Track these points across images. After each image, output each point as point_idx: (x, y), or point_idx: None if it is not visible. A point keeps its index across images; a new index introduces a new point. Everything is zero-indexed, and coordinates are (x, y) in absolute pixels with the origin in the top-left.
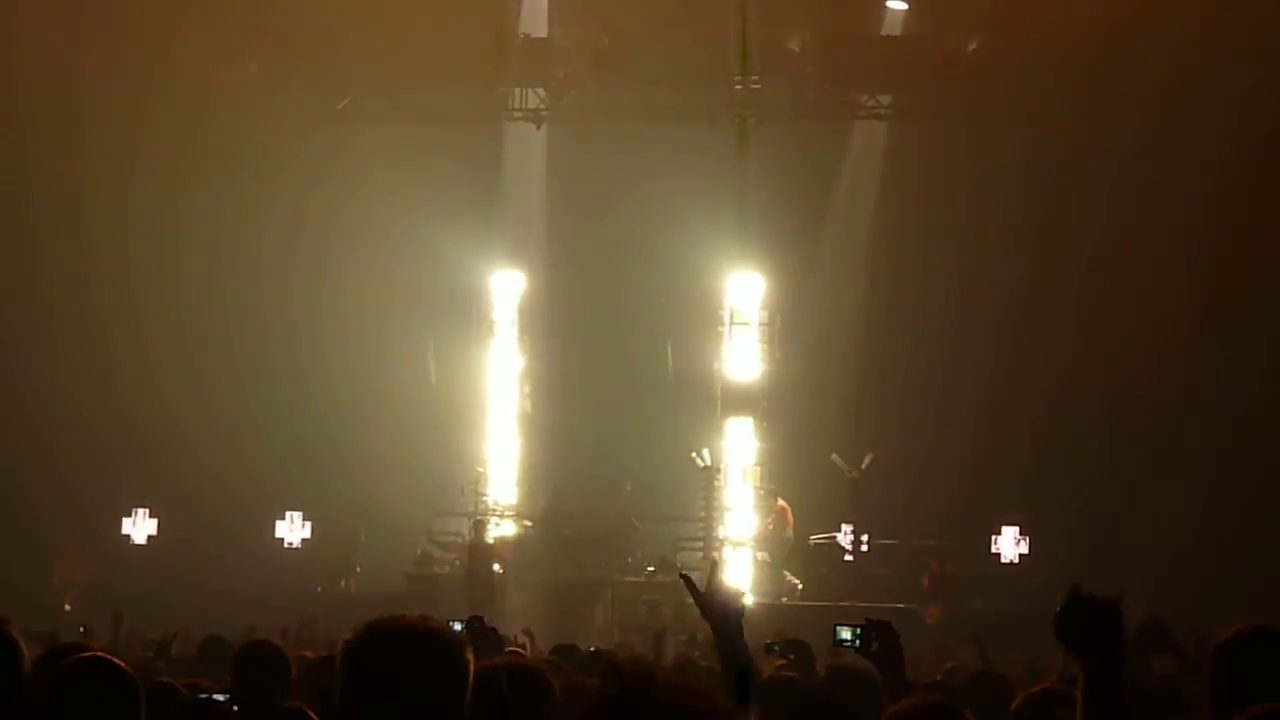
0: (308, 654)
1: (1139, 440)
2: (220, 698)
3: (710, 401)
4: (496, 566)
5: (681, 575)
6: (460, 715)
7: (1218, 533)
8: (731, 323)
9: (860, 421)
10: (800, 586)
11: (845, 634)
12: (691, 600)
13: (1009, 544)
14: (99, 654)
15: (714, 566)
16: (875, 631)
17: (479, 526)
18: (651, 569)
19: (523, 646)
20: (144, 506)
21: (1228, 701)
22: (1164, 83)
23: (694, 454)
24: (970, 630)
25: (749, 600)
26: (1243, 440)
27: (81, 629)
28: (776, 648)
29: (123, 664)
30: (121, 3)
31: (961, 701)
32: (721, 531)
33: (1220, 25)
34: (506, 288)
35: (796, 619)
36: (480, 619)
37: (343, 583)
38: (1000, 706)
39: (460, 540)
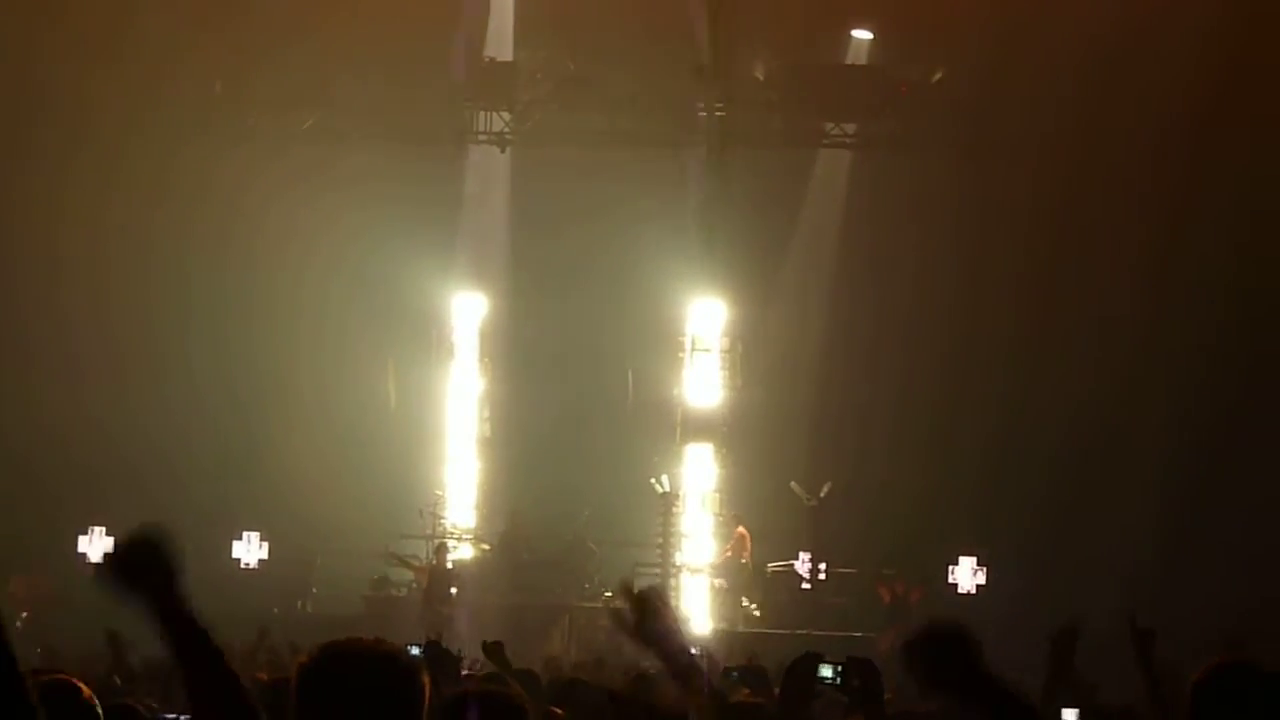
0: (261, 676)
1: (1091, 466)
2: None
3: (670, 427)
4: (454, 589)
5: (611, 609)
6: None
7: (1171, 553)
8: (693, 349)
9: (819, 449)
10: (757, 613)
11: (826, 671)
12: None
13: (966, 574)
14: (62, 676)
15: (646, 595)
16: (856, 669)
17: (441, 550)
18: (609, 594)
19: (476, 665)
20: (100, 525)
21: None
22: (1125, 112)
23: (653, 480)
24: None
25: (703, 627)
26: (1191, 459)
27: (38, 650)
28: (735, 674)
29: (82, 686)
30: (84, 24)
31: None
32: (679, 557)
33: (1186, 54)
34: (467, 310)
35: (753, 647)
36: (437, 643)
37: (299, 604)
38: None
39: (421, 563)
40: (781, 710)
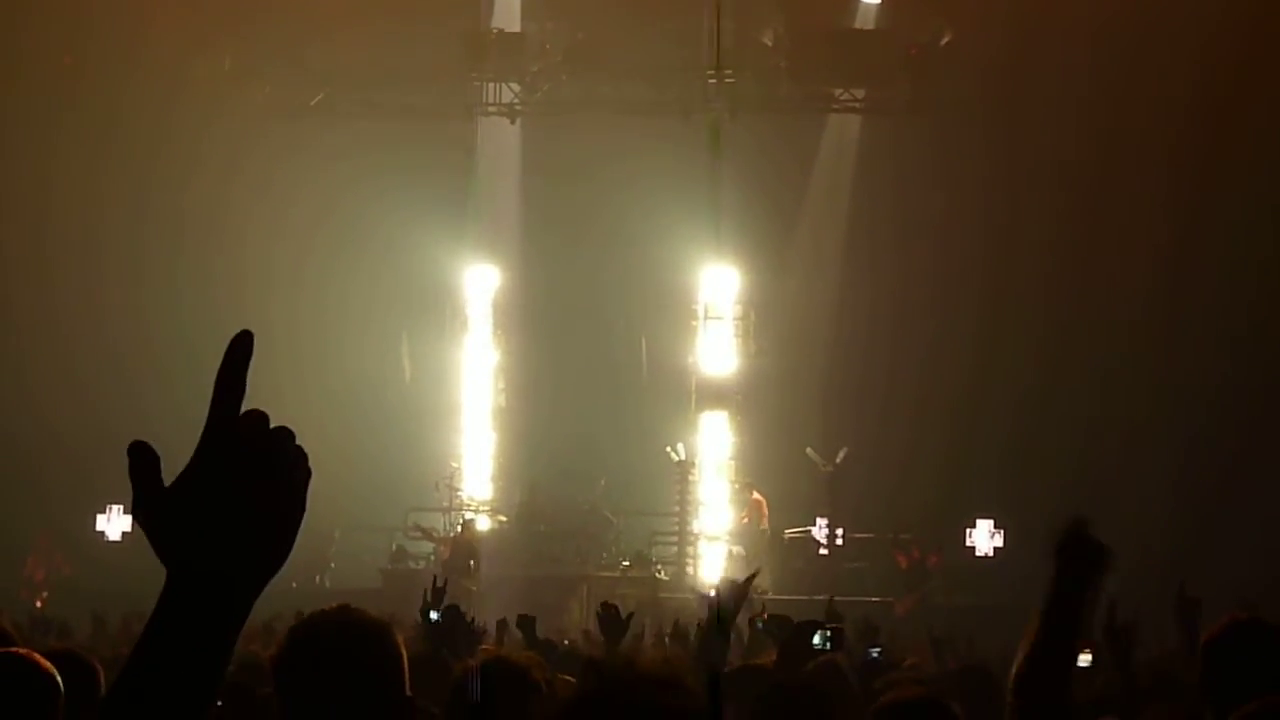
0: (272, 654)
1: (1112, 430)
2: None
3: (685, 396)
4: (473, 563)
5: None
6: (400, 695)
7: (1191, 518)
8: (706, 317)
9: (835, 415)
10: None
11: (816, 639)
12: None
13: (984, 537)
14: (15, 650)
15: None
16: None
17: (468, 525)
18: (627, 563)
19: (497, 640)
20: (117, 504)
21: (1221, 694)
22: (1136, 71)
23: (669, 448)
24: (929, 630)
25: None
26: (1214, 424)
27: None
28: (761, 624)
29: (41, 661)
30: (90, 2)
31: (948, 695)
32: (696, 526)
33: (1192, 12)
34: (481, 283)
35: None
36: (456, 607)
37: (317, 579)
38: (986, 700)
39: (441, 535)
40: (781, 670)
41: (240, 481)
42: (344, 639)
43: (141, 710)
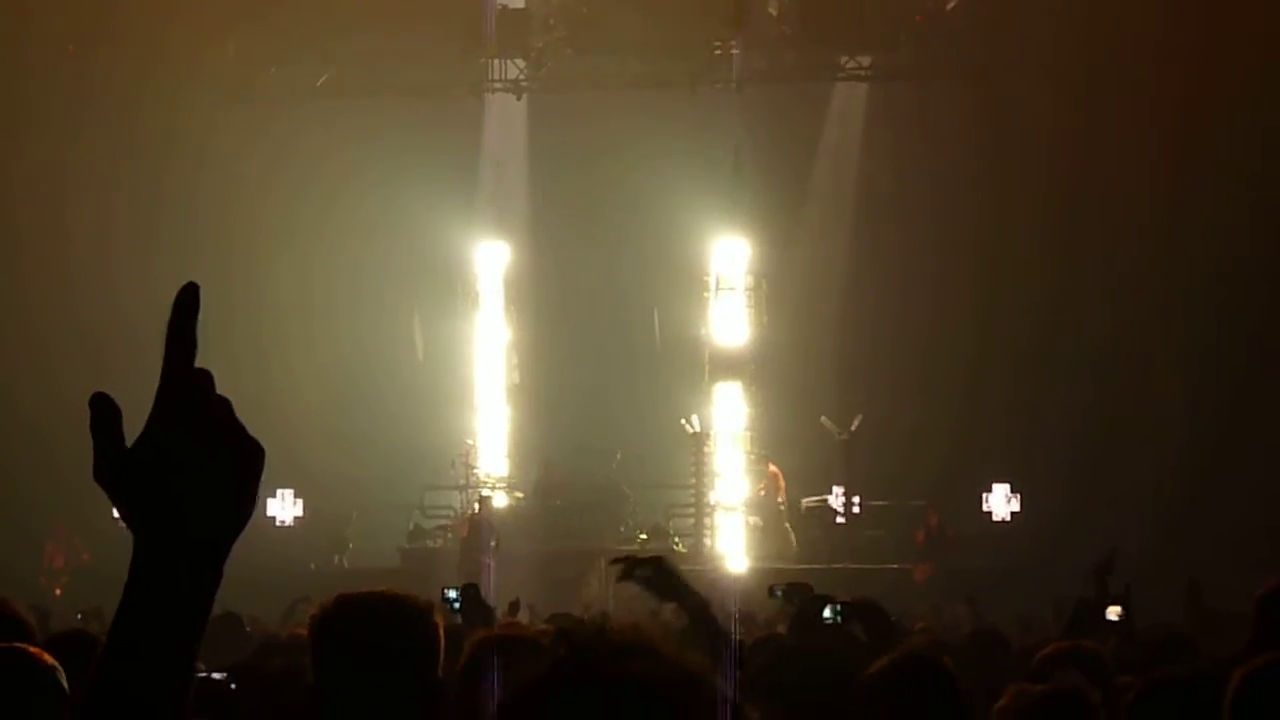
0: (300, 631)
1: (1125, 392)
2: (218, 676)
3: (698, 367)
4: (494, 542)
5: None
6: (433, 679)
7: (1204, 480)
8: (717, 288)
9: (849, 383)
10: (795, 547)
11: (827, 613)
12: (683, 567)
13: (1000, 502)
14: (17, 645)
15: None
16: (858, 612)
17: (485, 501)
18: (644, 536)
19: (515, 618)
20: None
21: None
22: (1145, 33)
23: (683, 420)
24: (965, 591)
25: (739, 565)
26: (1223, 382)
27: (79, 615)
28: (779, 591)
29: (42, 656)
30: None
31: (957, 658)
32: (712, 497)
33: None
34: (491, 259)
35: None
36: (475, 586)
37: (336, 559)
38: (995, 663)
39: (457, 514)
40: (795, 640)
41: (200, 437)
42: (390, 615)
43: (124, 678)
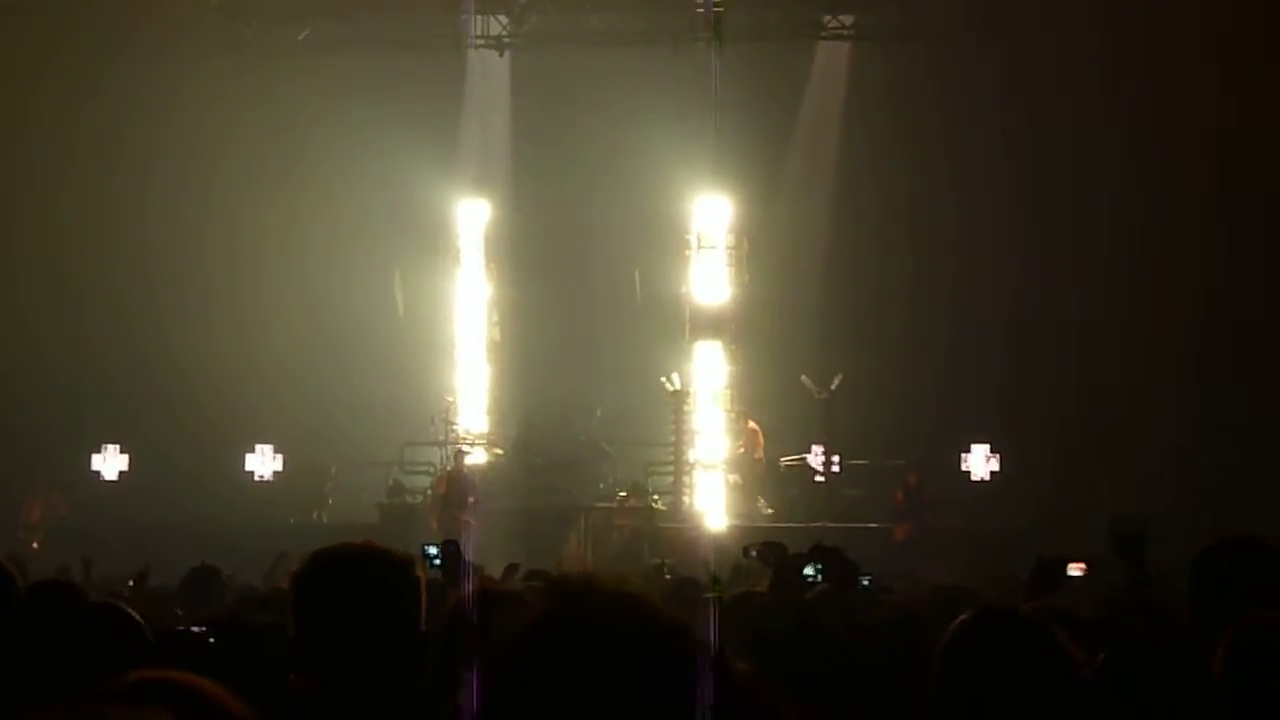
0: (283, 584)
1: (1106, 353)
2: (197, 629)
3: (678, 325)
4: (472, 499)
5: None
6: (415, 630)
7: (1184, 442)
8: (698, 246)
9: (829, 342)
10: (770, 511)
11: (808, 569)
12: (662, 524)
13: (979, 461)
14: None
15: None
16: (823, 558)
17: (458, 455)
18: (624, 494)
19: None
20: (113, 443)
21: (1205, 610)
22: None
23: (663, 378)
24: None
25: (718, 522)
26: (1208, 346)
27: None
28: (753, 551)
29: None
30: None
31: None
32: (692, 455)
33: None
34: (472, 216)
35: (768, 540)
36: (455, 543)
37: (315, 514)
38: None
39: (436, 470)
40: (775, 597)
41: None
42: (368, 567)
43: None
